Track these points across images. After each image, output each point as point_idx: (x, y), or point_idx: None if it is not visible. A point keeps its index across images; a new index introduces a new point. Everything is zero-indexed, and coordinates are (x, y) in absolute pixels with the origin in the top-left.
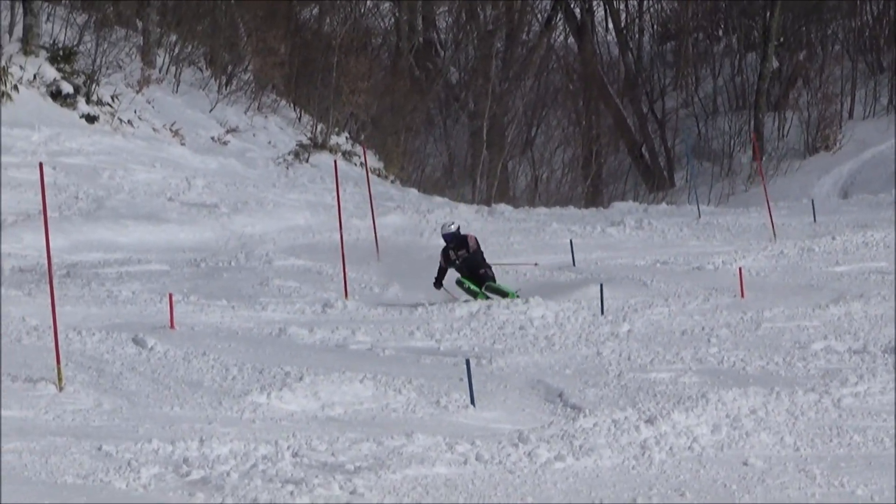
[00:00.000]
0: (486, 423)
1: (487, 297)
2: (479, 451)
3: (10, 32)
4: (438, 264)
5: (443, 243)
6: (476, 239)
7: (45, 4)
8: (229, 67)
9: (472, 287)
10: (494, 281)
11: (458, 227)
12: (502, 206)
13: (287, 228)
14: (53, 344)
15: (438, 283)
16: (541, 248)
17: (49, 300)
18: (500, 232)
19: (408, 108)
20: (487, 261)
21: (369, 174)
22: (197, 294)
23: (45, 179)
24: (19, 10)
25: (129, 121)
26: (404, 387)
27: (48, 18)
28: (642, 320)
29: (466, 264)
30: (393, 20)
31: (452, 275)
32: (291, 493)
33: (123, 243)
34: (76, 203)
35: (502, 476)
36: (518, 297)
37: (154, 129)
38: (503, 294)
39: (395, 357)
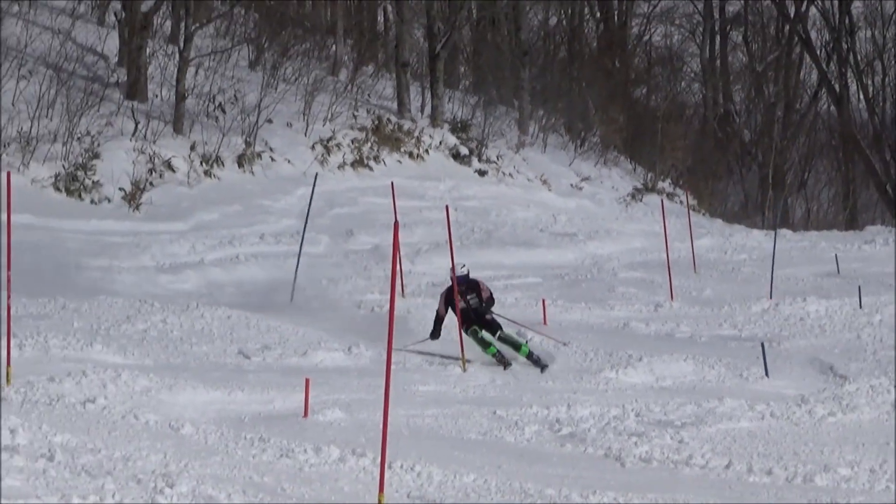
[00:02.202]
0: (777, 390)
1: (496, 353)
2: (773, 410)
3: (422, 111)
4: (437, 311)
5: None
6: (488, 288)
7: (447, 90)
8: (582, 133)
9: (486, 337)
10: (502, 329)
11: (469, 271)
12: (784, 231)
13: (627, 250)
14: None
15: (436, 333)
16: (813, 261)
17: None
18: (783, 250)
19: (713, 160)
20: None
21: (690, 209)
22: (563, 299)
23: (450, 218)
24: (428, 94)
25: (509, 174)
26: (716, 364)
27: (449, 100)
28: (890, 312)
29: (475, 311)
30: (701, 96)
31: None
32: (635, 443)
33: (507, 263)
34: (472, 235)
35: (790, 428)
36: (528, 351)
37: (528, 179)
38: (515, 346)
39: (708, 342)
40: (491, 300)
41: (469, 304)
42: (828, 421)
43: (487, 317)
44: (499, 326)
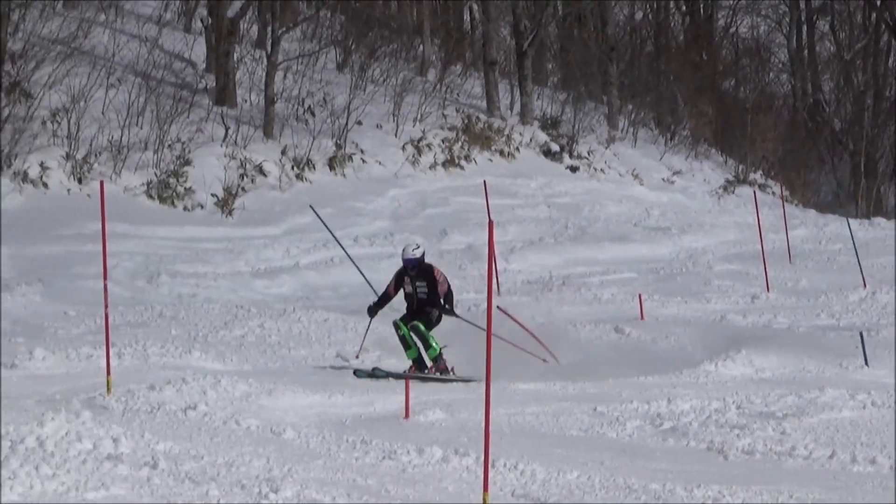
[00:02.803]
0: (877, 378)
1: (415, 359)
2: (874, 399)
3: (511, 108)
4: (386, 288)
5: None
6: (444, 275)
7: (535, 87)
8: (672, 126)
9: (406, 335)
10: (431, 327)
11: (424, 253)
12: (878, 219)
13: (721, 242)
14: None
15: (375, 310)
16: None
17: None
18: (878, 238)
19: (804, 150)
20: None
21: (783, 199)
22: (659, 293)
23: (542, 215)
24: (517, 92)
25: (601, 169)
26: (815, 354)
27: (538, 97)
28: None
29: (419, 302)
30: (789, 86)
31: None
32: (737, 435)
33: (601, 259)
34: (566, 231)
35: (892, 417)
36: (440, 355)
37: (620, 174)
38: (426, 345)
39: (806, 333)
40: (449, 297)
41: (416, 293)
42: None
43: (427, 310)
44: (428, 322)
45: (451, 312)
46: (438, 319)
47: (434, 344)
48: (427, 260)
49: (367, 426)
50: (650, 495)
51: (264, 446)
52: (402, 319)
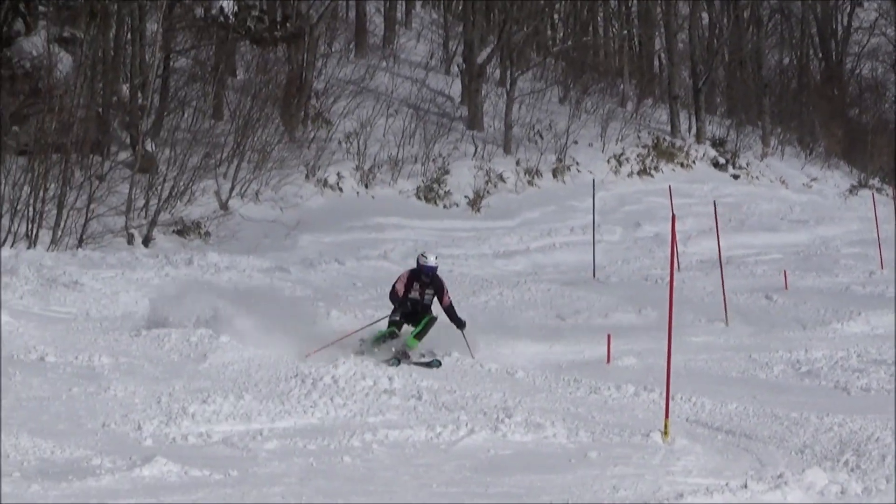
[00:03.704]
0: None
1: (379, 339)
2: None
3: (689, 131)
4: (392, 287)
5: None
6: (450, 298)
7: (707, 115)
8: (810, 145)
9: (384, 335)
10: (426, 330)
11: (438, 266)
12: None
13: (846, 232)
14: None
15: (398, 314)
16: None
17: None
18: None
19: None
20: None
21: (895, 199)
22: (799, 270)
23: (711, 211)
24: (693, 119)
25: (756, 176)
26: None
27: (709, 123)
28: None
29: (422, 306)
30: None
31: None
32: (857, 376)
33: (756, 244)
34: (729, 223)
35: None
36: (414, 346)
37: (770, 181)
38: (411, 341)
39: None
40: (452, 309)
41: (422, 298)
42: None
43: (422, 314)
44: (423, 325)
45: (459, 324)
46: (431, 322)
47: (411, 342)
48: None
49: (577, 368)
50: (790, 421)
51: (501, 383)
52: (397, 324)
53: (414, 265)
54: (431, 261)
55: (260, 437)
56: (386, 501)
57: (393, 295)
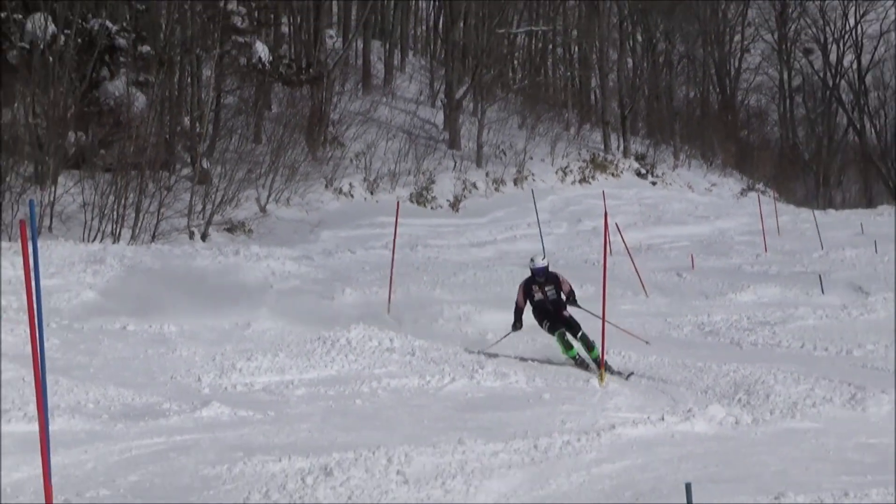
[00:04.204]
0: (828, 301)
1: (576, 357)
2: (827, 313)
3: (618, 149)
4: (515, 303)
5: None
6: (568, 282)
7: (632, 136)
8: (710, 158)
9: (569, 339)
10: (580, 328)
11: (548, 264)
12: (830, 210)
13: (739, 224)
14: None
15: (518, 324)
16: (847, 227)
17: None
18: (830, 221)
19: (788, 170)
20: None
21: (775, 199)
22: (703, 254)
23: (635, 210)
24: (621, 139)
25: (669, 183)
26: (792, 287)
27: (633, 142)
28: (890, 257)
29: (552, 304)
30: (779, 135)
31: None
32: (747, 334)
33: (669, 235)
34: (648, 219)
35: (837, 324)
36: (597, 355)
37: (680, 186)
38: (589, 348)
39: (788, 276)
40: (572, 293)
41: (546, 296)
42: (859, 319)
43: (565, 313)
44: (578, 327)
45: (575, 303)
46: (584, 337)
47: (595, 345)
48: (568, 237)
49: (535, 330)
50: (697, 369)
51: (476, 344)
52: (553, 330)
53: (411, 254)
54: (538, 262)
55: (291, 385)
56: (388, 433)
57: (515, 309)
